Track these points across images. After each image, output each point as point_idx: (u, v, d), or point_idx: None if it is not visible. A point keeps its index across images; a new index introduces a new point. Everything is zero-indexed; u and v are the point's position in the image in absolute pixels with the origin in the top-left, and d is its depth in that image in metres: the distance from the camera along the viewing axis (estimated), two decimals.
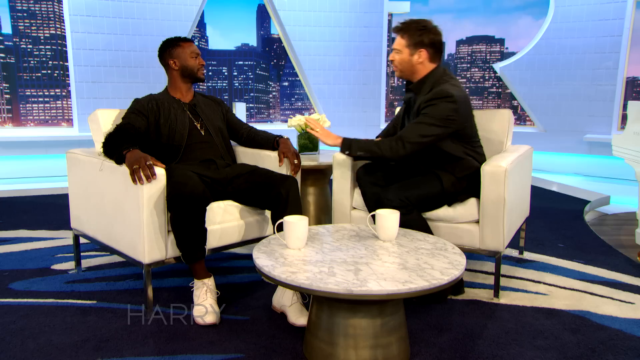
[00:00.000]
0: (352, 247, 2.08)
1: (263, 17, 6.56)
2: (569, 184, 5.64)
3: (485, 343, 2.18)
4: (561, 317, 2.44)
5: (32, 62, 6.64)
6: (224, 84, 6.42)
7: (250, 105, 6.51)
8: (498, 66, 7.91)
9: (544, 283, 2.87)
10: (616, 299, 2.66)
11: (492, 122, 3.13)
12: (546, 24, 7.47)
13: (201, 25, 6.90)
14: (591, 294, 2.73)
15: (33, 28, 6.76)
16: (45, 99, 6.63)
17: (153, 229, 2.37)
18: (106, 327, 2.32)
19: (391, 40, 7.38)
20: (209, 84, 6.24)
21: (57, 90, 6.46)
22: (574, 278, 2.96)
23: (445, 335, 2.24)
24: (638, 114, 3.74)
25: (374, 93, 8.06)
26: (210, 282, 2.48)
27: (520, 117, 8.04)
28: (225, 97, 6.45)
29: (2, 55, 6.91)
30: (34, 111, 6.44)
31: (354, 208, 2.91)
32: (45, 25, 6.73)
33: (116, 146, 2.48)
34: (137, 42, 7.01)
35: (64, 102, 6.38)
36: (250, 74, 6.59)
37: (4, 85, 6.95)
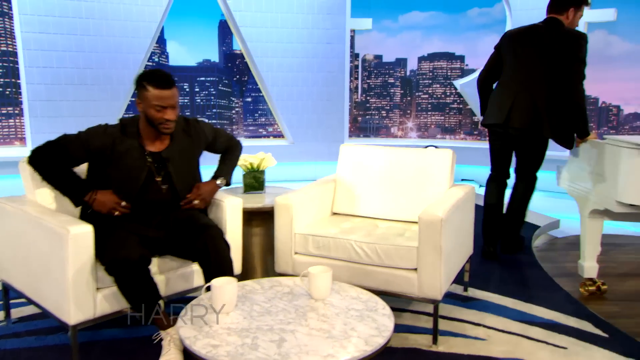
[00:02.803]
0: (282, 309, 2.08)
1: (225, 33, 6.49)
2: None
3: None
4: None
5: None
6: (186, 100, 6.34)
7: (213, 121, 6.46)
8: (458, 83, 8.02)
9: (484, 326, 2.90)
10: (550, 344, 2.71)
11: (433, 163, 3.15)
12: None
13: (161, 41, 6.78)
14: (528, 338, 2.77)
15: None
16: None
17: (80, 287, 2.31)
18: None
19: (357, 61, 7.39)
20: None
21: (9, 109, 6.34)
22: (514, 319, 2.99)
23: None
24: (584, 146, 3.82)
25: (338, 109, 8.06)
26: (173, 331, 2.40)
27: (481, 134, 8.15)
28: (187, 113, 6.38)
29: None
30: None
31: (297, 253, 2.92)
32: None
33: (62, 179, 2.45)
34: (94, 59, 6.88)
35: (17, 121, 6.28)
36: (212, 90, 6.51)
37: None
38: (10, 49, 6.92)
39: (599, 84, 7.48)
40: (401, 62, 8.65)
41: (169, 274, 2.64)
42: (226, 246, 2.60)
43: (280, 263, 2.92)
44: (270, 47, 7.65)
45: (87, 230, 2.32)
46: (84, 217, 2.58)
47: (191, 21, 7.86)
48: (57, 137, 2.54)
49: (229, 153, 2.98)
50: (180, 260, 2.68)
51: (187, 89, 7.87)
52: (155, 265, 2.59)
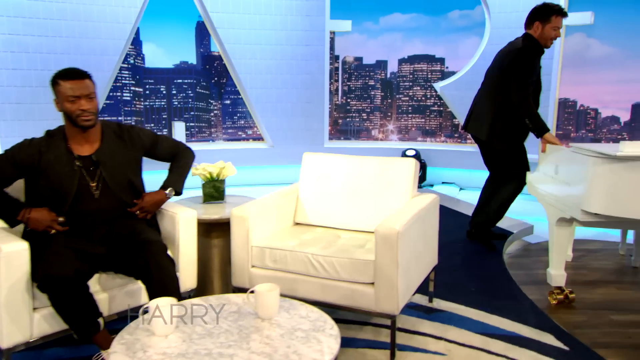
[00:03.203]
0: (225, 331, 2.00)
1: (202, 34, 6.42)
2: None
3: None
4: None
5: None
6: (163, 103, 6.27)
7: (191, 124, 6.37)
8: (438, 85, 7.97)
9: (445, 340, 2.84)
10: (509, 358, 2.67)
11: (396, 172, 3.09)
12: (482, 45, 7.57)
13: (137, 42, 6.68)
14: (488, 352, 2.72)
15: None
16: None
17: (14, 308, 2.23)
18: None
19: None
20: (147, 103, 6.04)
21: None
22: (476, 332, 2.94)
23: None
24: (548, 154, 3.79)
25: (318, 111, 7.99)
26: None
27: (461, 136, 8.12)
28: (163, 116, 6.30)
29: None
30: None
31: (254, 266, 2.84)
32: None
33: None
34: (66, 61, 6.74)
35: None
36: (190, 92, 6.43)
37: None
38: None
39: (577, 87, 7.48)
40: (382, 64, 8.59)
41: (113, 292, 2.55)
42: (170, 262, 2.50)
43: (236, 277, 2.85)
44: (249, 49, 7.57)
45: (20, 248, 2.23)
46: (25, 234, 2.49)
47: (168, 22, 7.75)
48: None
49: (177, 161, 2.88)
50: (127, 277, 2.58)
51: (164, 91, 7.77)
52: (97, 282, 2.51)
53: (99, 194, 2.58)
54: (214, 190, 3.15)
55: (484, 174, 7.49)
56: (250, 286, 2.80)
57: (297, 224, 3.26)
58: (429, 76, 8.38)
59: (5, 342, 2.24)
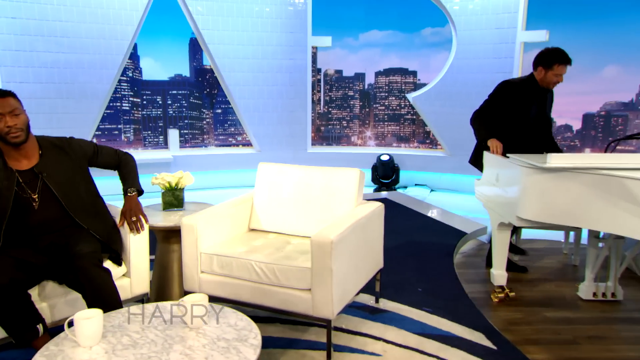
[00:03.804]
0: (151, 341, 1.86)
1: (195, 49, 6.34)
2: (458, 212, 5.57)
3: None
4: None
5: None
6: (159, 112, 6.19)
7: (185, 131, 6.29)
8: (411, 96, 7.84)
9: (384, 340, 2.70)
10: (441, 359, 2.54)
11: (341, 182, 2.96)
12: (450, 59, 7.43)
13: (134, 57, 6.60)
14: (421, 352, 2.58)
15: None
16: None
17: None
18: None
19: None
20: (144, 112, 5.97)
21: None
22: (414, 332, 2.80)
23: None
24: (492, 162, 3.65)
25: (301, 119, 7.88)
26: None
27: (432, 142, 7.98)
28: (160, 124, 6.24)
29: None
30: None
31: (203, 272, 2.71)
32: None
33: None
34: (68, 74, 6.67)
35: None
36: (184, 102, 6.34)
37: None
38: None
39: None
40: (360, 77, 8.47)
41: (53, 300, 2.39)
42: (102, 273, 2.31)
43: (187, 281, 2.71)
44: (237, 63, 7.45)
45: None
46: None
47: (163, 39, 7.64)
48: None
49: (124, 167, 2.72)
50: (61, 286, 2.43)
51: (160, 102, 7.65)
52: (38, 291, 2.37)
53: (38, 206, 2.41)
54: (173, 199, 3.02)
55: (453, 176, 7.39)
56: (200, 291, 2.70)
57: (252, 229, 3.12)
58: (403, 87, 8.25)
59: None
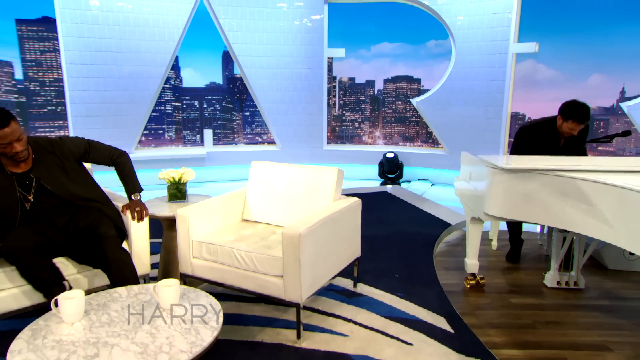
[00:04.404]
0: (124, 320, 1.81)
1: (227, 60, 6.31)
2: (452, 205, 5.33)
3: None
4: None
5: (39, 100, 6.50)
6: (196, 114, 6.24)
7: (218, 131, 6.32)
8: (415, 101, 7.59)
9: (353, 322, 2.58)
10: (401, 340, 2.40)
11: (321, 179, 2.84)
12: (450, 68, 7.14)
13: (176, 67, 6.65)
14: (384, 334, 2.46)
15: (40, 74, 6.58)
16: (50, 129, 6.50)
17: None
18: None
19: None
20: (184, 115, 6.01)
21: (59, 122, 6.33)
22: (382, 315, 2.67)
23: None
24: (467, 162, 3.46)
25: (317, 121, 7.76)
26: None
27: (435, 142, 7.73)
28: (197, 125, 6.29)
29: (16, 95, 6.75)
30: None
31: (194, 257, 2.65)
32: (49, 71, 6.55)
33: None
34: (120, 84, 6.76)
35: (64, 132, 6.32)
36: (217, 106, 6.32)
37: (19, 119, 6.79)
38: (59, 77, 6.84)
39: (527, 103, 7.01)
40: (370, 83, 8.27)
41: (73, 276, 2.40)
42: (125, 254, 2.35)
43: (182, 265, 2.67)
44: (263, 72, 7.39)
45: None
46: None
47: (200, 52, 7.65)
48: None
49: (122, 170, 2.61)
50: (81, 265, 2.42)
51: (197, 105, 7.67)
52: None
53: (33, 198, 2.37)
54: (177, 192, 2.97)
55: (452, 172, 7.14)
56: (193, 274, 2.64)
57: (245, 220, 3.05)
58: (409, 93, 8.01)
59: None
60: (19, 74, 7.05)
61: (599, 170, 2.55)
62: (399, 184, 7.40)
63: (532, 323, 2.73)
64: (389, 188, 6.40)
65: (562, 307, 2.94)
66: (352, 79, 8.29)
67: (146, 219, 2.57)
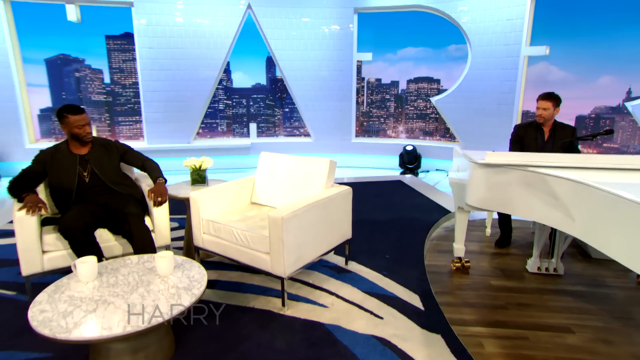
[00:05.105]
0: (127, 283, 1.88)
1: (270, 64, 6.34)
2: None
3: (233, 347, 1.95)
4: (314, 331, 2.14)
5: (121, 99, 6.93)
6: (244, 111, 6.35)
7: (262, 125, 6.42)
8: (434, 99, 7.26)
9: (336, 295, 2.53)
10: (373, 314, 2.32)
11: (315, 169, 2.78)
12: (466, 70, 6.74)
13: (227, 71, 6.75)
14: (359, 307, 2.39)
15: (122, 78, 6.99)
16: (129, 123, 6.91)
17: (28, 253, 2.28)
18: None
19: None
20: (233, 111, 6.16)
21: (136, 117, 6.72)
22: (363, 290, 2.59)
23: (213, 344, 2.02)
24: (456, 156, 3.26)
25: (347, 117, 7.62)
26: None
27: (452, 136, 7.38)
28: (244, 120, 6.43)
29: (105, 95, 7.22)
30: (123, 131, 6.83)
31: (204, 233, 2.67)
32: (128, 76, 6.93)
33: (19, 189, 2.38)
34: (182, 86, 6.97)
35: (139, 125, 6.70)
36: (261, 103, 6.40)
37: (106, 115, 7.27)
38: (136, 81, 7.17)
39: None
40: (395, 84, 7.97)
41: (109, 243, 2.52)
42: (145, 229, 2.44)
43: (195, 239, 2.72)
44: (300, 74, 7.34)
45: (26, 215, 2.28)
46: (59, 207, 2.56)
47: (248, 57, 7.70)
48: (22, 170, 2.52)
49: (149, 167, 2.73)
50: (116, 236, 2.55)
51: (244, 103, 7.77)
52: (99, 235, 2.49)
53: (88, 179, 2.57)
54: (198, 177, 3.02)
55: None
56: (203, 247, 2.69)
57: (253, 203, 3.05)
58: (429, 92, 7.66)
59: (24, 272, 2.31)
60: (107, 79, 7.47)
61: (568, 166, 2.31)
62: (417, 173, 7.14)
63: (505, 304, 2.56)
64: (406, 177, 6.20)
65: (537, 291, 2.73)
66: (378, 80, 8.05)
67: (165, 204, 2.64)
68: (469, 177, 2.66)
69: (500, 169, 2.49)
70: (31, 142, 6.82)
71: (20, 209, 2.23)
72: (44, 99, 7.27)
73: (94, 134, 7.15)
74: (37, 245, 2.31)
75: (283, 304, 2.37)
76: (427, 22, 7.63)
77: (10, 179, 2.45)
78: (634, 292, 2.71)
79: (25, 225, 2.27)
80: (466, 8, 6.45)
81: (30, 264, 2.31)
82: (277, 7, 7.08)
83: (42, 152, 2.56)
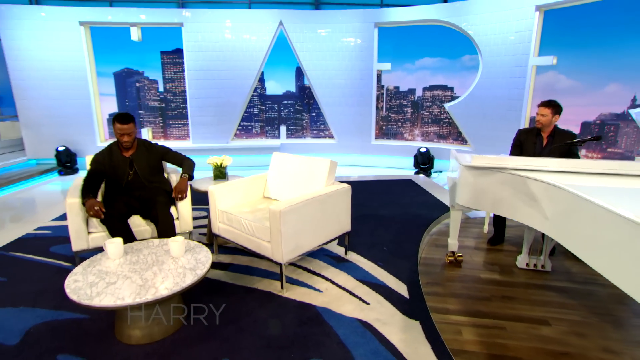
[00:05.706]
0: (145, 262, 1.97)
1: (299, 74, 6.39)
2: None
3: (231, 320, 1.99)
4: (305, 312, 2.15)
5: (172, 105, 7.26)
6: (275, 115, 6.44)
7: (291, 127, 6.48)
8: (447, 105, 7.02)
9: (331, 281, 2.52)
10: (362, 300, 2.29)
11: (317, 168, 2.77)
12: (477, 78, 6.46)
13: (261, 80, 6.86)
14: (350, 293, 2.38)
15: (173, 87, 7.31)
16: (179, 125, 7.23)
17: (77, 234, 2.45)
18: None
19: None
20: (266, 115, 6.27)
21: (184, 121, 7.01)
22: (357, 279, 2.56)
23: (217, 318, 2.07)
24: (453, 157, 3.14)
25: (367, 120, 7.53)
26: None
27: (464, 140, 7.11)
28: (276, 123, 6.55)
29: (159, 102, 7.58)
30: (173, 132, 7.17)
31: (220, 222, 2.73)
32: (178, 85, 7.24)
33: (85, 193, 2.50)
34: (222, 93, 7.15)
35: (186, 127, 6.98)
36: (291, 108, 6.45)
37: (160, 118, 7.64)
38: (183, 89, 7.44)
39: None
40: (412, 91, 7.77)
41: (140, 228, 2.63)
42: (170, 216, 2.54)
43: (213, 227, 2.80)
44: (325, 83, 7.33)
45: (76, 202, 2.44)
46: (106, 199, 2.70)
47: (280, 67, 7.77)
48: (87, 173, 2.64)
49: (185, 164, 2.82)
50: (146, 220, 2.66)
51: (276, 108, 7.85)
52: (133, 221, 2.62)
53: (132, 176, 2.70)
54: (219, 173, 3.09)
55: None
56: (219, 234, 2.76)
57: (265, 197, 3.09)
58: (443, 99, 7.40)
59: (74, 248, 2.48)
60: (161, 88, 7.81)
61: (551, 170, 2.16)
62: (429, 174, 6.95)
63: (489, 296, 2.45)
64: (419, 177, 6.05)
65: (522, 286, 2.59)
66: (396, 87, 7.87)
67: (187, 199, 2.73)
68: (459, 179, 2.57)
69: (485, 171, 2.38)
70: (101, 141, 7.26)
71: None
72: (112, 106, 7.72)
73: (149, 135, 7.51)
74: (83, 227, 2.48)
75: (282, 287, 2.40)
76: (444, 34, 7.38)
77: (82, 180, 2.62)
78: (617, 289, 2.51)
79: (74, 212, 2.43)
80: (477, 21, 6.17)
81: (78, 242, 2.48)
82: (306, 23, 7.10)
83: (97, 155, 2.68)
